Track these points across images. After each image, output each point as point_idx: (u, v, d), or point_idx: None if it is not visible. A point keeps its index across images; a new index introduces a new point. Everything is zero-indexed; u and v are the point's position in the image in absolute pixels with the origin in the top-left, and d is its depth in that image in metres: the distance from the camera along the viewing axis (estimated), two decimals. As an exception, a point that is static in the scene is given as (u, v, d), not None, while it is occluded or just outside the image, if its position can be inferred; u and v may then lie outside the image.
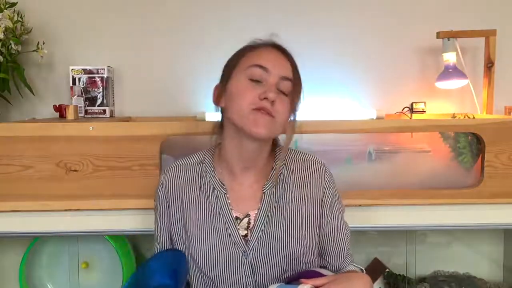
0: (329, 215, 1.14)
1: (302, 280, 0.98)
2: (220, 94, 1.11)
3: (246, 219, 1.10)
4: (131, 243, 1.72)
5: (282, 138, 1.15)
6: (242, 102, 1.03)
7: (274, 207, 1.11)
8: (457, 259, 1.88)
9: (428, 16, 1.89)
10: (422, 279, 1.82)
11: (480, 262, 1.89)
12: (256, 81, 1.04)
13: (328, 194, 1.14)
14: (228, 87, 1.08)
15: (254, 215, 1.10)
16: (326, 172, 1.15)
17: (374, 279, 1.70)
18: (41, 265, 1.73)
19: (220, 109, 1.13)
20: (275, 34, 1.11)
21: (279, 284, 1.01)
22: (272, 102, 1.03)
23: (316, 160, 1.16)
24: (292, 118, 1.10)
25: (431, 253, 1.88)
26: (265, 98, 1.02)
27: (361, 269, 1.20)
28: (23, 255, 1.65)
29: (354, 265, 1.20)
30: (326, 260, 1.17)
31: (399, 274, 1.79)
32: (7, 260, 1.79)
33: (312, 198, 1.13)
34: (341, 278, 1.01)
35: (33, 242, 1.64)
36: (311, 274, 1.05)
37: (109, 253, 1.69)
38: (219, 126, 1.14)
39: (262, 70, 1.04)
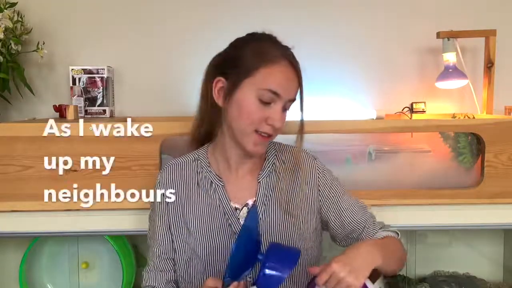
0: (333, 197, 1.19)
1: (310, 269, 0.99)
2: (222, 91, 1.10)
3: (245, 209, 1.14)
4: (131, 243, 1.72)
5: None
6: (247, 121, 1.07)
7: (270, 195, 1.15)
8: (457, 259, 1.88)
9: (428, 16, 1.89)
10: (422, 279, 1.82)
11: (480, 262, 1.88)
12: (265, 102, 1.06)
13: (324, 177, 1.19)
14: (235, 95, 1.07)
15: (252, 204, 1.14)
16: (315, 159, 1.21)
17: (374, 279, 1.70)
18: (41, 265, 1.72)
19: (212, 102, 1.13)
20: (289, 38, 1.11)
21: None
22: None
23: (304, 151, 1.21)
24: (300, 118, 1.13)
25: (431, 253, 1.87)
26: (270, 125, 1.07)
27: (396, 232, 1.22)
28: (23, 255, 1.64)
29: (385, 230, 1.21)
30: (353, 238, 1.20)
31: (399, 274, 1.79)
32: (7, 260, 1.79)
33: (306, 184, 1.17)
34: (349, 249, 1.03)
35: (33, 242, 1.63)
36: None
37: (109, 253, 1.69)
38: (215, 119, 1.15)
39: (274, 95, 1.06)
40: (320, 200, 1.19)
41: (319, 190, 1.19)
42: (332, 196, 1.19)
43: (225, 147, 1.15)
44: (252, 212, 1.06)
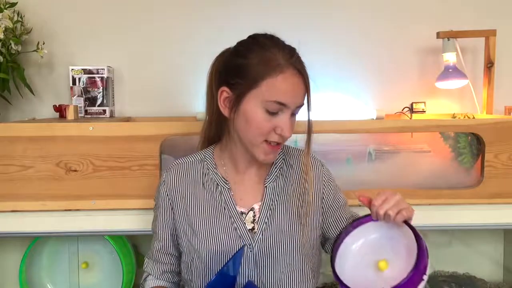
0: (335, 208, 1.19)
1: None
2: (228, 102, 1.07)
3: (251, 213, 1.13)
4: (131, 243, 1.72)
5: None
6: (256, 132, 1.05)
7: (276, 200, 1.14)
8: (457, 259, 1.88)
9: (428, 16, 1.89)
10: (422, 279, 1.82)
11: (480, 262, 1.89)
12: (272, 113, 1.04)
13: (329, 187, 1.19)
14: (241, 107, 1.05)
15: (258, 208, 1.13)
16: (323, 166, 1.20)
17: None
18: (41, 265, 1.72)
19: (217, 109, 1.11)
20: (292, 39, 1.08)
21: None
22: None
23: (312, 156, 1.19)
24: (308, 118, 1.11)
25: (431, 253, 1.87)
26: (279, 134, 1.06)
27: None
28: (23, 255, 1.65)
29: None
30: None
31: (399, 274, 1.78)
32: (7, 260, 1.79)
33: (312, 190, 1.15)
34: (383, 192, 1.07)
35: (33, 242, 1.63)
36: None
37: (109, 253, 1.69)
38: (223, 122, 1.13)
39: (281, 105, 1.04)
40: (322, 207, 1.18)
41: (323, 198, 1.18)
42: (334, 207, 1.19)
43: (232, 151, 1.14)
44: (238, 255, 1.03)
